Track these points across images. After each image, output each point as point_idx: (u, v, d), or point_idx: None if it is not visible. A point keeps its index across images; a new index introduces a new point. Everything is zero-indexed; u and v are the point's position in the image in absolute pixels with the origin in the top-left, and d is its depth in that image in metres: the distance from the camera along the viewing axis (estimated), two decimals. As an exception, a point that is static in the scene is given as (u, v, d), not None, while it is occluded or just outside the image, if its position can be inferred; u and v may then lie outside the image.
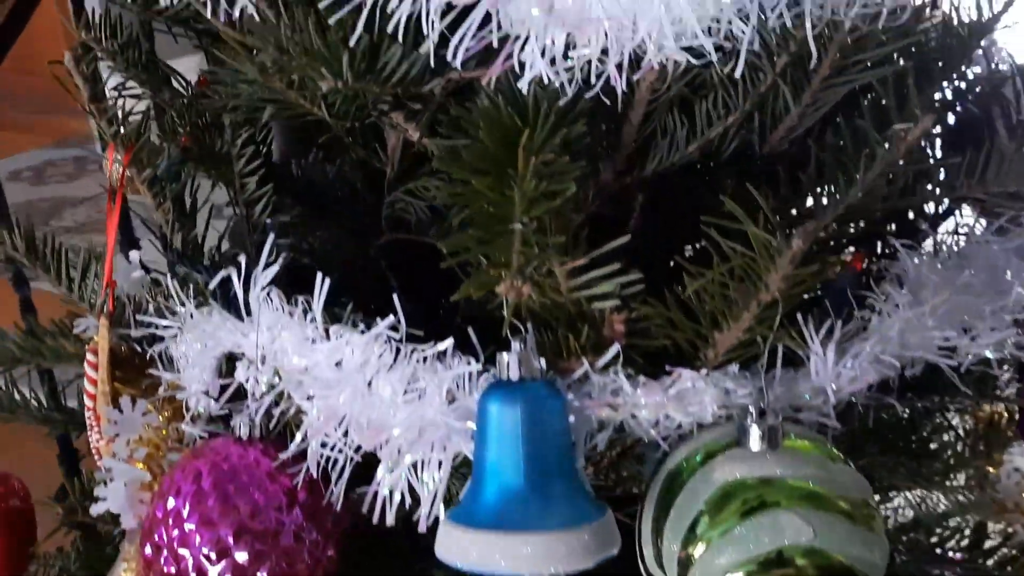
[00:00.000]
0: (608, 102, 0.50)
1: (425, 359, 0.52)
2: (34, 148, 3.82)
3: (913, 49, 0.65)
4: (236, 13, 0.55)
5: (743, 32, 0.48)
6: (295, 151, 0.73)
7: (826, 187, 0.57)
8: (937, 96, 0.68)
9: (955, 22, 0.66)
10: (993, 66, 0.71)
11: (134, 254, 0.77)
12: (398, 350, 0.53)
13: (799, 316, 0.50)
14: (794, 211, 0.73)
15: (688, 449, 0.52)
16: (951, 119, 0.71)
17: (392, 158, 0.77)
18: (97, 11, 0.69)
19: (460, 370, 0.50)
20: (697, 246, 0.64)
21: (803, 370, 0.51)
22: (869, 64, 0.59)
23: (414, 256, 0.77)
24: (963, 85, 0.69)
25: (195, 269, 0.64)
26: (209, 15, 0.57)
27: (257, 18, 0.57)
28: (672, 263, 0.57)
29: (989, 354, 0.55)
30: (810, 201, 0.64)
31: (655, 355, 0.51)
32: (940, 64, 0.67)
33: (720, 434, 0.52)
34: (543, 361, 0.48)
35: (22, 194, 3.35)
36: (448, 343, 0.52)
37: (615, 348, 0.49)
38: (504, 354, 0.48)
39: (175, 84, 0.72)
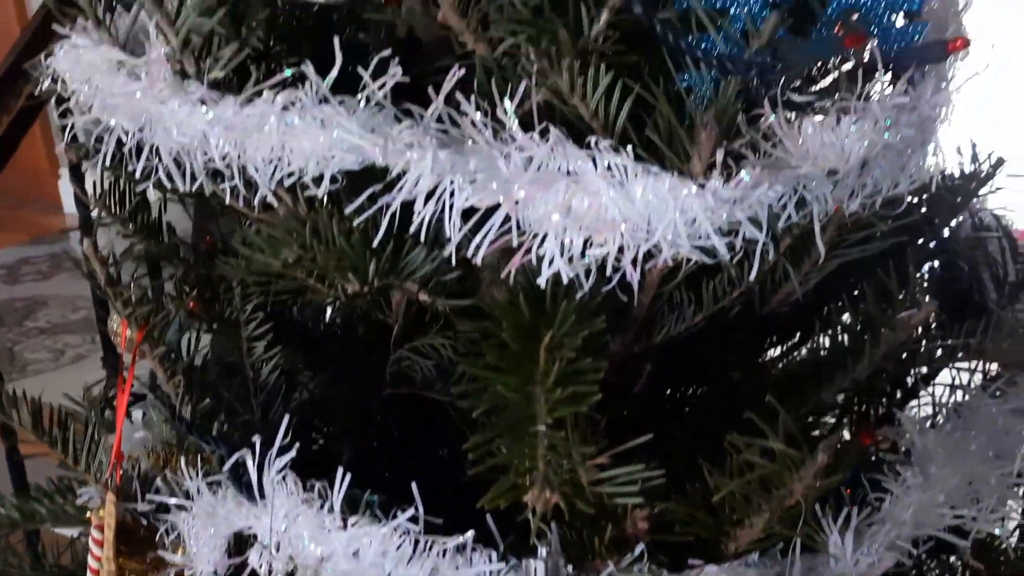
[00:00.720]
0: (624, 298, 0.52)
1: (445, 552, 0.52)
2: (8, 245, 3.79)
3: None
4: (256, 201, 0.57)
5: (756, 233, 0.50)
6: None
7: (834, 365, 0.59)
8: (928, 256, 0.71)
9: (943, 189, 0.69)
10: (977, 224, 0.74)
11: (136, 412, 0.77)
12: (417, 541, 0.53)
13: (816, 505, 0.51)
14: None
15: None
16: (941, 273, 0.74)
17: (396, 313, 0.78)
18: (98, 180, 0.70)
19: (482, 568, 0.50)
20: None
21: (821, 558, 0.52)
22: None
23: (419, 406, 0.78)
24: (951, 246, 0.72)
25: (204, 441, 0.64)
26: (228, 199, 0.58)
27: (276, 204, 0.58)
28: (694, 451, 0.58)
29: (997, 530, 0.56)
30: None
31: (677, 546, 0.51)
32: (930, 228, 0.70)
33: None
34: (570, 568, 0.48)
35: (-3, 293, 3.31)
36: (468, 536, 0.52)
37: (640, 546, 0.49)
38: (531, 561, 0.48)
39: (182, 249, 0.73)
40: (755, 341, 0.80)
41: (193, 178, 0.56)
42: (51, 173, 3.95)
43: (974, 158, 0.72)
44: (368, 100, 0.53)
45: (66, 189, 3.90)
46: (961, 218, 0.72)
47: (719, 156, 0.48)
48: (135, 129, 0.55)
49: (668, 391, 0.79)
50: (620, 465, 0.48)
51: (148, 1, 0.52)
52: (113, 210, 0.71)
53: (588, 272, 0.51)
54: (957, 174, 0.70)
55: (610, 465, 0.48)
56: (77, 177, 1.34)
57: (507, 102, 0.51)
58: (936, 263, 0.73)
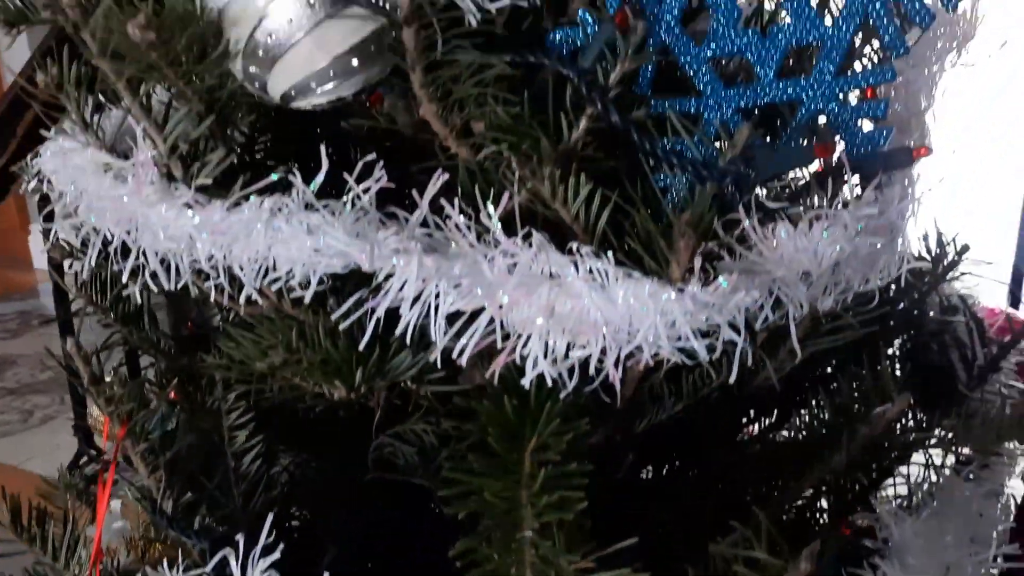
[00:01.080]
0: (607, 399, 0.53)
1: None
2: (-24, 303, 3.74)
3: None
4: (242, 299, 0.57)
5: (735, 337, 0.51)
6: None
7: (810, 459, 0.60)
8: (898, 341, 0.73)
9: (910, 275, 0.71)
10: (945, 305, 0.77)
11: (115, 503, 0.76)
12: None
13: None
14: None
15: None
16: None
17: (378, 399, 0.78)
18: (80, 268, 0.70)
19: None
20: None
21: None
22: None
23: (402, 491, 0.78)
24: (920, 329, 0.74)
25: (186, 535, 0.64)
26: (213, 296, 0.58)
27: (260, 301, 0.59)
28: (679, 552, 0.58)
29: (977, 621, 0.57)
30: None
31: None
32: (900, 313, 0.72)
33: None
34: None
35: (-36, 352, 3.26)
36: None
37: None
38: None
39: (163, 340, 0.73)
40: (732, 419, 0.81)
41: (178, 277, 0.57)
42: (21, 229, 3.93)
43: (939, 243, 0.74)
44: (353, 203, 0.54)
45: (36, 245, 3.87)
46: (928, 302, 0.74)
47: (697, 263, 0.49)
48: (122, 233, 0.55)
49: (645, 470, 0.80)
50: (605, 566, 0.49)
51: (136, 108, 0.53)
52: (95, 299, 0.71)
53: (571, 372, 0.52)
54: (923, 258, 0.72)
55: (596, 568, 0.49)
56: (58, 271, 1.33)
57: (490, 207, 0.52)
58: (906, 345, 0.75)
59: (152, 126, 0.54)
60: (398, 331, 0.52)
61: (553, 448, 0.49)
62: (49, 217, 0.57)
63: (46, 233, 0.57)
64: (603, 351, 0.52)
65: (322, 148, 0.53)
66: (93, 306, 0.71)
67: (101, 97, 0.60)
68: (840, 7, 0.55)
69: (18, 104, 1.41)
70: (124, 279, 0.54)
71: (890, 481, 0.73)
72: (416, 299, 0.52)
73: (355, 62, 0.52)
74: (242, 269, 0.55)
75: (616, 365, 0.52)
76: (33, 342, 3.39)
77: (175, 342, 0.73)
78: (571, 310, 0.51)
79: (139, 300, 0.70)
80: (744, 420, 0.84)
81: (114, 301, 0.72)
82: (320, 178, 0.54)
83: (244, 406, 0.69)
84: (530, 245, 0.52)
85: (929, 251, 0.73)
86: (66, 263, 0.65)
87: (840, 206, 0.51)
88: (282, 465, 0.80)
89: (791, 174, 0.64)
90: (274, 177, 0.55)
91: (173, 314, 0.76)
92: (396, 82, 0.56)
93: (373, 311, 0.52)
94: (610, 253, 0.51)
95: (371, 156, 0.54)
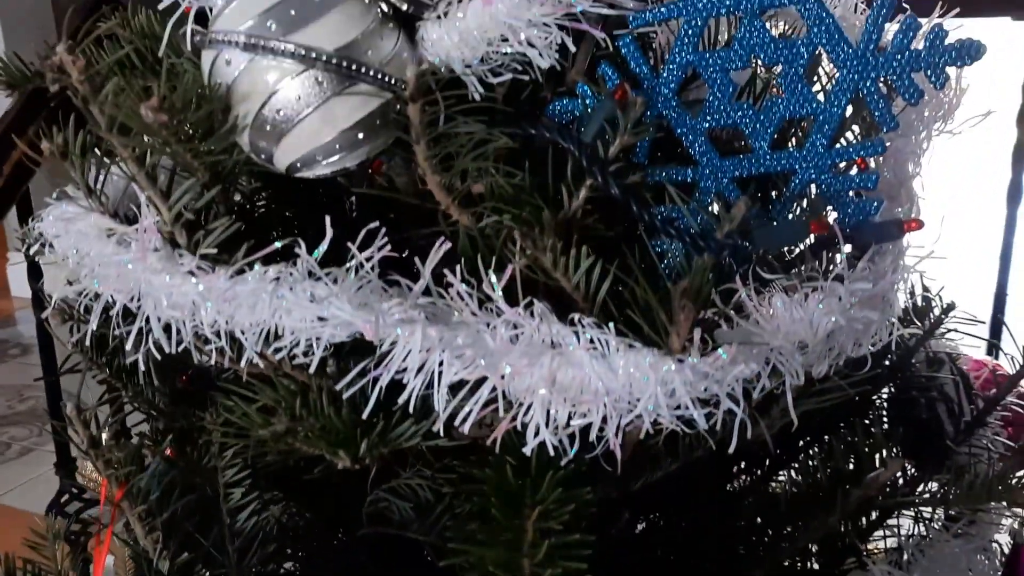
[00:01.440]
0: (607, 466, 0.53)
1: None
2: (-47, 333, 3.70)
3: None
4: (243, 363, 0.57)
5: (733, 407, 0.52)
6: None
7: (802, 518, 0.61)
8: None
9: (903, 335, 0.73)
10: (932, 359, 0.78)
11: (109, 559, 0.76)
12: None
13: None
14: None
15: None
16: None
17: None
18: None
19: None
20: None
21: None
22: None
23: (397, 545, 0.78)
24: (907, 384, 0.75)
25: (182, 596, 0.64)
26: (214, 359, 0.59)
27: (261, 364, 0.59)
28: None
29: None
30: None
31: None
32: (887, 367, 0.73)
33: None
34: None
35: (-60, 383, 3.21)
36: None
37: None
38: None
39: (159, 397, 0.73)
40: (724, 470, 0.82)
41: (180, 342, 0.57)
42: (-1, 257, 3.89)
43: (925, 298, 0.76)
44: (356, 270, 0.54)
45: (14, 274, 3.83)
46: (915, 357, 0.76)
47: (696, 335, 0.50)
48: (126, 300, 0.55)
49: (639, 522, 0.81)
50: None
51: (142, 177, 0.54)
52: (91, 355, 0.71)
53: (572, 439, 0.53)
54: (913, 322, 0.73)
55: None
56: (38, 303, 1.33)
57: (493, 277, 0.53)
58: (894, 397, 0.76)
59: (157, 195, 0.54)
60: (401, 400, 0.52)
61: (556, 517, 0.50)
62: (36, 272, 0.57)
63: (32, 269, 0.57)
64: (604, 419, 0.53)
65: (327, 219, 0.53)
66: (88, 361, 0.71)
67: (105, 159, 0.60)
68: (832, 82, 0.56)
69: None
70: (128, 346, 0.55)
71: (880, 532, 0.74)
72: (419, 368, 0.52)
73: (360, 135, 0.53)
74: (243, 334, 0.56)
75: (616, 433, 0.53)
76: (10, 372, 3.35)
77: (170, 397, 0.73)
78: (573, 379, 0.52)
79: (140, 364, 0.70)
80: (736, 470, 0.85)
81: (110, 356, 0.72)
82: (324, 247, 0.54)
83: (240, 463, 0.69)
84: (532, 315, 0.53)
85: (916, 307, 0.75)
86: (65, 327, 0.65)
87: (834, 278, 0.53)
88: (274, 515, 0.80)
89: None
90: (278, 245, 0.55)
91: (168, 367, 0.76)
92: (398, 152, 0.56)
93: (375, 381, 0.53)
94: (611, 324, 0.52)
95: (374, 224, 0.55)
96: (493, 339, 0.53)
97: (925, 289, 0.74)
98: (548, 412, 0.52)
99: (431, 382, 0.53)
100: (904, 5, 0.60)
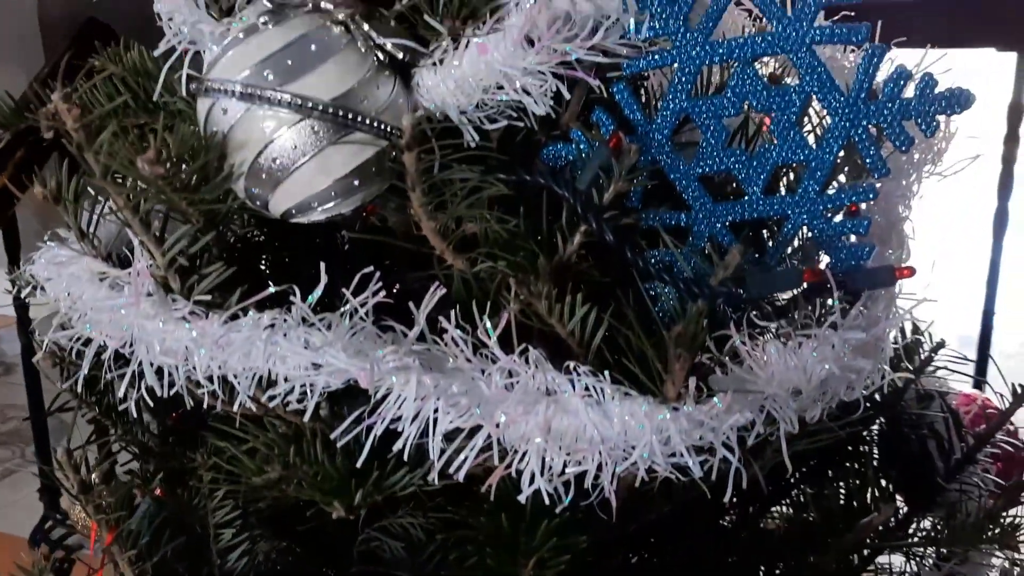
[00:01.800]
0: (602, 515, 0.53)
1: None
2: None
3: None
4: (236, 407, 0.57)
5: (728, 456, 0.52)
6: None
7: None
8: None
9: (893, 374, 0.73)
10: (922, 395, 0.78)
11: (96, 600, 0.75)
12: None
13: None
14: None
15: None
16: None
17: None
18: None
19: None
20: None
21: None
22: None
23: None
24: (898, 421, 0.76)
25: (172, 641, 0.63)
26: (207, 403, 0.58)
27: (254, 408, 0.59)
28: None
29: None
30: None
31: None
32: (878, 406, 0.73)
33: None
34: None
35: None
36: None
37: None
38: None
39: (149, 438, 0.72)
40: (716, 506, 0.82)
41: (172, 385, 0.57)
42: (-19, 272, 3.85)
43: (915, 338, 0.76)
44: (350, 316, 0.54)
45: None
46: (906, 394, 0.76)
47: (692, 383, 0.51)
48: (118, 345, 0.55)
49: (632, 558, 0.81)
50: None
51: (135, 223, 0.54)
52: (81, 395, 0.70)
53: (567, 486, 0.53)
54: (906, 367, 0.74)
55: None
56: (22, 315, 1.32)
57: (488, 324, 0.53)
58: (884, 434, 0.77)
59: (151, 240, 0.54)
60: (396, 448, 0.52)
61: (552, 568, 0.50)
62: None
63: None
64: (599, 467, 0.53)
65: (322, 265, 0.53)
66: (78, 400, 0.71)
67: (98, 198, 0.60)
68: (824, 128, 0.57)
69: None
70: (120, 392, 0.54)
71: (871, 568, 0.74)
72: (415, 417, 0.52)
73: (356, 183, 0.53)
74: (236, 378, 0.56)
75: (612, 480, 0.53)
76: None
77: (160, 436, 0.72)
78: (568, 427, 0.52)
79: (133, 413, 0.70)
80: (728, 505, 0.85)
81: (99, 395, 0.71)
82: (318, 293, 0.54)
83: (231, 503, 0.68)
84: (527, 361, 0.53)
85: (906, 346, 0.75)
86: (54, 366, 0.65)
87: (828, 325, 0.53)
88: (264, 552, 0.79)
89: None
90: (272, 290, 0.55)
91: (159, 406, 0.75)
92: (392, 198, 0.57)
93: (369, 430, 0.52)
94: (606, 372, 0.52)
95: (368, 268, 0.55)
96: (488, 387, 0.53)
97: (915, 329, 0.75)
98: (543, 460, 0.52)
99: (426, 430, 0.53)
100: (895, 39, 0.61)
